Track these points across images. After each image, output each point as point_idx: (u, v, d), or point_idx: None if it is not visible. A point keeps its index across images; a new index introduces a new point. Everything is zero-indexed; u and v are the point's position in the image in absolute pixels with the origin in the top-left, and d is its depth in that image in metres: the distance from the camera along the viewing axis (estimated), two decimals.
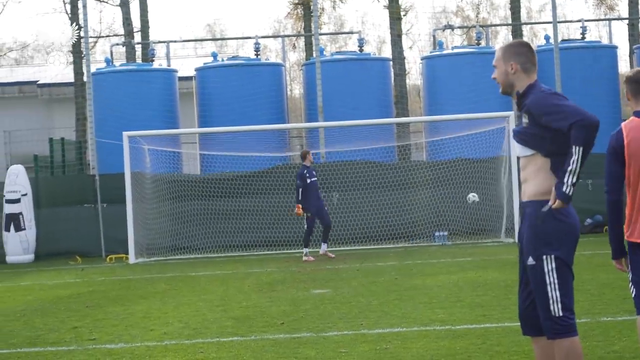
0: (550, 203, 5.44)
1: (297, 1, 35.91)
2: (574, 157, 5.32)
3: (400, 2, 31.77)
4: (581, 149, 5.30)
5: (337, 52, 34.44)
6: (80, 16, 26.14)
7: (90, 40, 31.46)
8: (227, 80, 26.58)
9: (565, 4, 78.58)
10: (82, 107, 30.21)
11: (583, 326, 8.61)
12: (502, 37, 57.53)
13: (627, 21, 32.24)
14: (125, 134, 21.36)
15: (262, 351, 8.71)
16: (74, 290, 15.24)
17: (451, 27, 35.28)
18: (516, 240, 18.56)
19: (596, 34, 55.54)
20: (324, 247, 19.26)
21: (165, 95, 26.71)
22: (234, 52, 57.73)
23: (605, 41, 34.51)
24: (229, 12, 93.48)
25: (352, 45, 52.01)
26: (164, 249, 21.60)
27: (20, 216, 22.11)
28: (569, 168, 5.34)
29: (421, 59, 29.23)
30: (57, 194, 22.85)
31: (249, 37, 33.69)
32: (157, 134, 23.31)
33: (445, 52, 27.49)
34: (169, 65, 28.78)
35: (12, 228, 22.05)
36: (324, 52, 27.80)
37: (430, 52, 28.65)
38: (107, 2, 37.14)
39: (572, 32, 52.32)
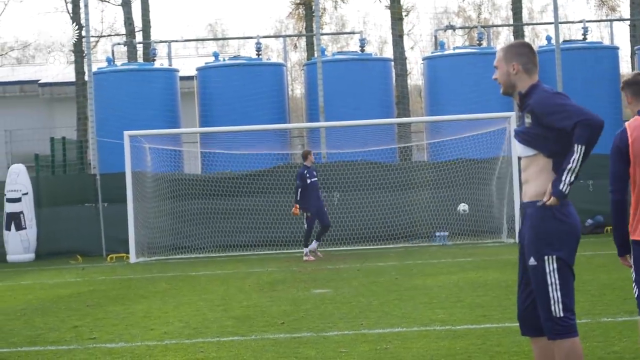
0: (544, 199, 5.45)
1: (298, 1, 35.91)
2: (575, 156, 5.32)
3: (401, 3, 31.77)
4: (583, 148, 5.30)
5: (338, 52, 34.45)
6: (82, 15, 26.13)
7: (92, 39, 31.47)
8: (228, 80, 26.58)
9: (566, 5, 78.70)
10: (83, 106, 30.23)
11: (583, 327, 8.61)
12: (504, 38, 57.53)
13: (628, 22, 32.22)
14: (126, 133, 21.36)
15: (262, 351, 8.71)
16: (75, 289, 15.25)
17: (453, 28, 35.30)
18: (517, 240, 18.63)
19: (598, 34, 55.60)
20: (314, 245, 19.24)
21: (167, 95, 26.70)
22: (235, 51, 57.73)
23: (606, 42, 34.49)
24: (230, 12, 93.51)
25: (353, 46, 52.06)
26: (164, 249, 21.61)
27: (21, 215, 22.13)
28: (569, 166, 5.34)
29: (422, 60, 29.22)
30: (58, 193, 22.86)
31: (251, 37, 33.73)
32: (158, 133, 23.31)
33: (446, 52, 27.48)
34: (170, 65, 28.79)
35: (12, 227, 22.06)
36: (326, 52, 27.80)
37: (432, 53, 28.65)
38: (108, 2, 37.15)
39: (573, 32, 52.30)
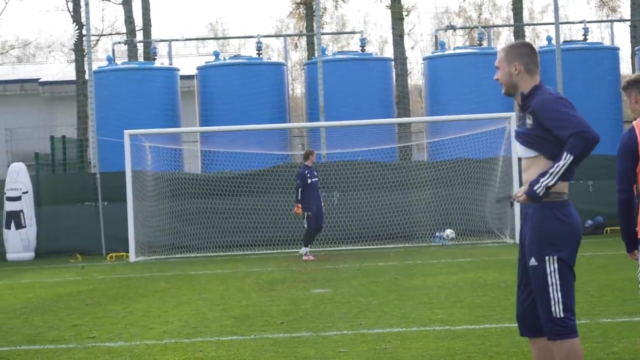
0: (516, 192, 5.47)
1: (299, 1, 35.91)
2: (561, 163, 5.30)
3: (402, 3, 31.78)
4: (572, 158, 5.27)
5: (339, 51, 34.46)
6: (83, 14, 26.12)
7: (92, 38, 31.46)
8: (228, 79, 26.58)
9: (567, 5, 78.72)
10: (84, 105, 30.22)
11: (583, 327, 8.60)
12: (504, 38, 57.55)
13: (629, 23, 32.22)
14: (127, 132, 21.36)
15: (261, 350, 8.70)
16: (74, 288, 15.25)
17: (453, 28, 35.30)
18: (516, 241, 18.60)
19: (598, 35, 55.59)
20: (303, 250, 19.22)
21: (167, 93, 26.70)
22: (235, 51, 57.73)
23: (607, 43, 34.48)
24: (231, 11, 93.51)
25: (354, 45, 52.02)
26: (164, 248, 21.61)
27: (21, 214, 22.12)
28: (551, 170, 5.33)
29: (423, 59, 29.22)
30: (58, 192, 22.86)
31: (251, 36, 33.76)
32: (158, 132, 23.31)
33: (447, 52, 27.48)
34: (170, 64, 28.78)
35: (12, 225, 22.06)
36: (326, 52, 27.80)
37: (432, 53, 28.64)
38: (109, 0, 37.17)
39: (574, 33, 52.32)
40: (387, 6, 31.85)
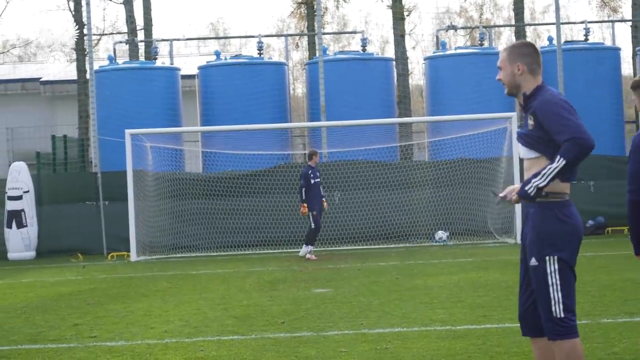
0: (506, 193, 5.48)
1: (300, 0, 35.89)
2: (554, 165, 5.29)
3: (403, 2, 31.76)
4: (564, 163, 5.25)
5: (340, 51, 34.44)
6: (84, 13, 26.12)
7: (94, 37, 31.45)
8: (229, 78, 26.58)
9: (568, 6, 78.64)
10: (85, 104, 30.21)
11: (583, 328, 8.61)
12: (506, 38, 57.54)
13: (630, 23, 32.21)
14: (128, 131, 21.37)
15: (262, 350, 8.71)
16: (75, 287, 15.25)
17: (454, 28, 35.28)
18: (518, 241, 18.62)
19: (599, 35, 55.54)
20: (308, 248, 19.21)
21: (168, 93, 26.71)
22: (237, 50, 57.73)
23: (608, 43, 34.45)
24: (232, 10, 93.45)
25: (355, 45, 52.00)
26: (165, 247, 21.62)
27: (22, 213, 22.13)
28: (544, 172, 5.32)
29: (424, 59, 29.22)
30: (59, 191, 22.87)
31: (252, 36, 33.72)
32: (159, 132, 23.32)
33: (448, 52, 27.48)
34: (171, 64, 28.78)
35: (14, 225, 22.07)
36: (327, 52, 27.82)
37: (433, 53, 28.64)
38: (110, 0, 37.16)
39: (575, 33, 52.33)
40: (388, 6, 31.84)
